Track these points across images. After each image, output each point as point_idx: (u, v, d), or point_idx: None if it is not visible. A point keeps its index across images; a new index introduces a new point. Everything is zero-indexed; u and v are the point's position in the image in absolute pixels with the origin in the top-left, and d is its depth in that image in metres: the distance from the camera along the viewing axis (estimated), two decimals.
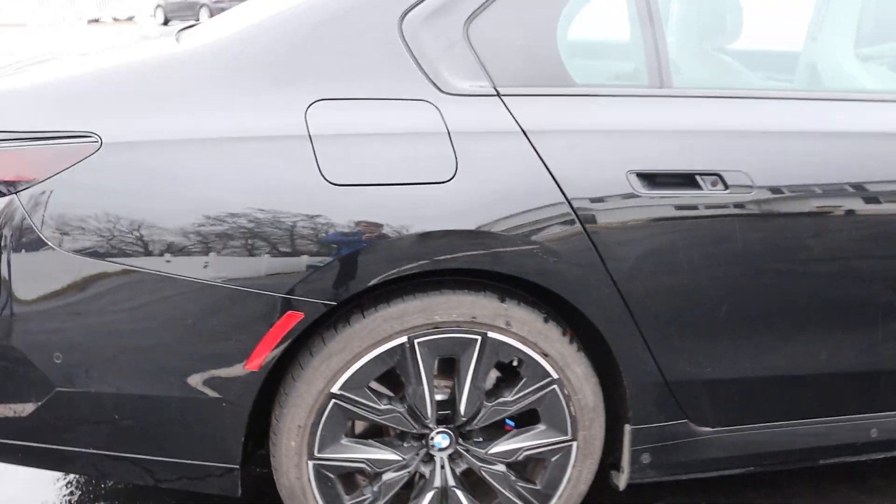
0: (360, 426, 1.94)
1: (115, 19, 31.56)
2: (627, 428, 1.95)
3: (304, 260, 1.67)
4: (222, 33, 1.89)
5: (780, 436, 2.08)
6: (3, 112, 1.76)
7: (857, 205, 1.90)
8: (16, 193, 1.69)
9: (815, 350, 1.98)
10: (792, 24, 2.46)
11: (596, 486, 2.06)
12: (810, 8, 2.39)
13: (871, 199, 1.91)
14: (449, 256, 1.72)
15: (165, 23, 24.60)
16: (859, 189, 1.89)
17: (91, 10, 31.41)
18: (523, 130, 1.73)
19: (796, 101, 2.01)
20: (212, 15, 17.70)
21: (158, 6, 28.65)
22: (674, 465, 2.05)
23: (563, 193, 1.72)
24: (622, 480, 2.03)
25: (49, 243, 1.67)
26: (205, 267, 1.67)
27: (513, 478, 1.93)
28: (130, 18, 31.56)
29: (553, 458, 1.93)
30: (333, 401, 1.78)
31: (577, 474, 1.96)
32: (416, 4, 1.77)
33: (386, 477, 1.87)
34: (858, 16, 2.34)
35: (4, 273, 1.70)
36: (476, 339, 1.78)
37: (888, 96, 2.04)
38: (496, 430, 1.94)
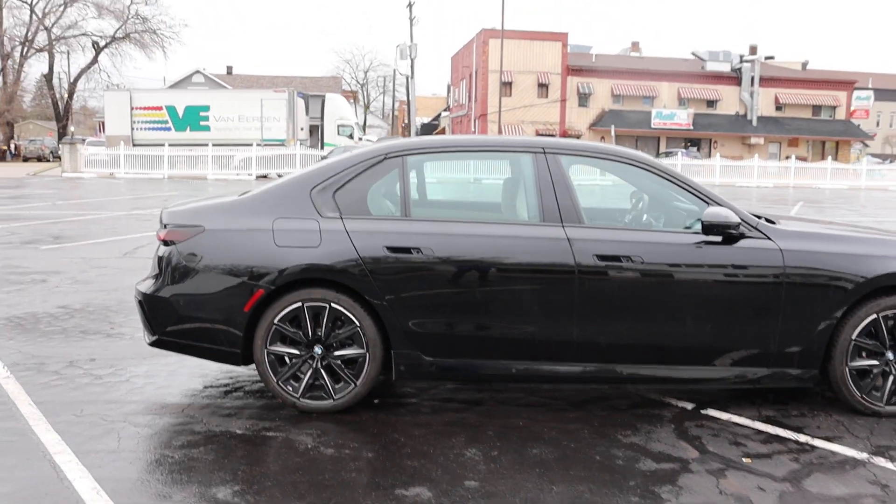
0: (287, 340, 4.93)
1: (279, 175, 37.03)
2: (392, 352, 4.89)
3: (267, 272, 4.78)
4: (251, 194, 5.12)
5: (473, 367, 4.93)
6: (174, 217, 5.02)
7: (479, 258, 4.81)
8: (174, 245, 4.93)
9: (482, 323, 4.84)
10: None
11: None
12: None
13: (487, 258, 4.81)
14: (318, 273, 4.79)
15: None
16: (481, 254, 4.81)
17: (263, 169, 37.10)
18: (346, 230, 4.82)
19: (463, 222, 5.01)
20: None
21: None
22: (416, 374, 4.94)
23: (358, 253, 4.77)
24: (393, 377, 4.95)
25: (183, 262, 4.87)
26: (238, 272, 4.81)
27: (345, 367, 4.89)
28: None
29: (359, 360, 4.87)
30: (274, 326, 4.83)
31: (370, 369, 4.87)
32: (316, 186, 4.94)
33: (293, 361, 4.89)
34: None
35: (166, 271, 4.91)
36: (326, 307, 4.81)
37: (500, 220, 5.03)
38: (341, 346, 4.91)
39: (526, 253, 4.84)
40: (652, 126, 61.47)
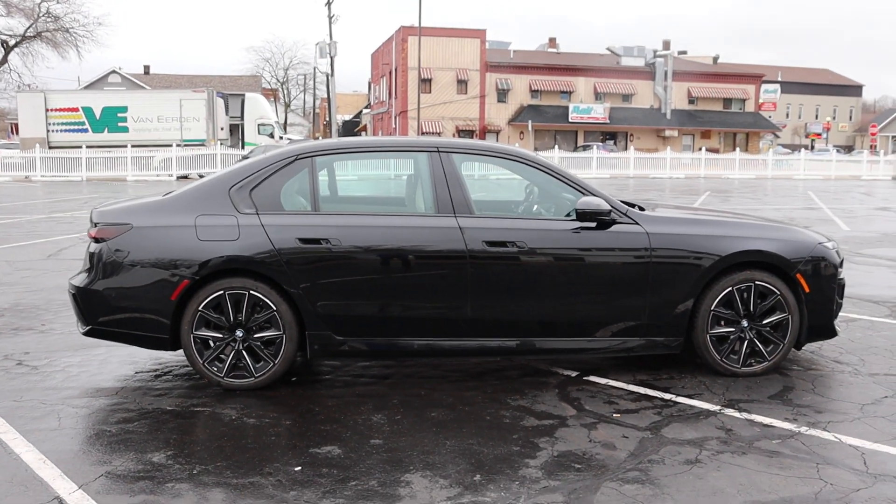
0: (211, 325, 5.46)
1: (200, 175, 37.04)
2: (307, 333, 5.46)
3: (191, 264, 5.30)
4: (175, 194, 5.63)
5: (382, 344, 5.53)
6: (104, 216, 5.49)
7: (382, 246, 5.42)
8: (104, 242, 5.41)
9: (385, 304, 5.44)
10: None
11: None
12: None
13: (389, 246, 5.43)
14: (237, 263, 5.33)
15: None
16: (383, 243, 5.42)
17: (184, 169, 37.00)
18: (262, 224, 5.37)
19: (367, 215, 5.61)
20: None
21: None
22: (330, 353, 5.52)
23: (273, 244, 5.33)
24: (308, 356, 5.52)
25: (113, 257, 5.36)
26: (164, 265, 5.31)
27: (264, 348, 5.44)
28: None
29: (277, 341, 5.42)
30: (199, 313, 5.35)
31: (287, 348, 5.42)
32: (234, 185, 5.48)
33: (217, 344, 5.41)
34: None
35: (98, 266, 5.38)
36: (245, 294, 5.35)
37: (406, 213, 5.64)
38: (260, 329, 5.45)
39: (423, 241, 5.46)
40: (570, 120, 62.95)
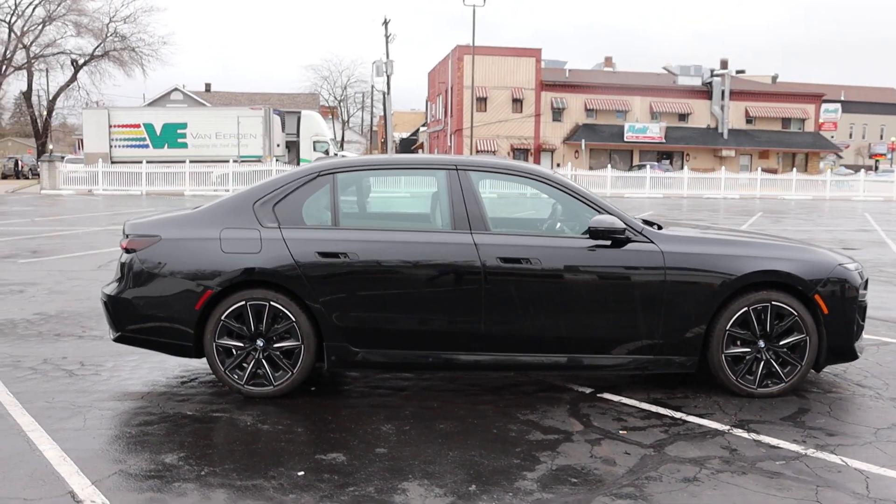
0: (232, 334, 5.66)
1: None
2: (324, 343, 5.63)
3: (215, 275, 5.52)
4: (203, 208, 5.86)
5: (397, 356, 5.68)
6: (135, 228, 5.76)
7: (398, 261, 5.57)
8: (134, 253, 5.66)
9: (401, 317, 5.59)
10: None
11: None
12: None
13: (405, 261, 5.57)
14: (259, 276, 5.54)
15: None
16: (400, 258, 5.57)
17: (240, 184, 37.71)
18: (283, 238, 5.57)
19: (385, 230, 5.78)
20: None
21: None
22: (346, 363, 5.69)
23: (293, 258, 5.52)
24: (325, 367, 5.69)
25: (142, 267, 5.61)
26: (190, 276, 5.54)
27: (283, 357, 5.63)
28: None
29: (296, 351, 5.61)
30: (222, 322, 5.57)
31: (305, 359, 5.60)
32: (258, 200, 5.70)
33: (238, 352, 5.62)
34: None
35: (128, 276, 5.64)
36: (266, 305, 5.55)
37: (419, 228, 5.80)
38: (279, 339, 5.64)
39: (439, 256, 5.60)
40: (625, 139, 62.63)
